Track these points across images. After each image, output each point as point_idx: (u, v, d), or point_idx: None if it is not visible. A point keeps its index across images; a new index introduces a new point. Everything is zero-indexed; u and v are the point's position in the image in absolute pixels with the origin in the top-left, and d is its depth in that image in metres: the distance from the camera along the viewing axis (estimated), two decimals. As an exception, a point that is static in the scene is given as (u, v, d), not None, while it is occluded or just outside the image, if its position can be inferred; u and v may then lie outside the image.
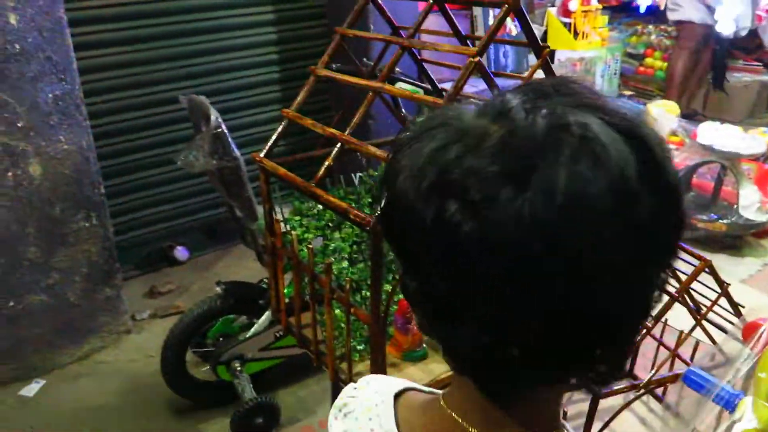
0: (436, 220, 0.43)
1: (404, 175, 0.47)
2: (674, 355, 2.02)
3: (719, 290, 1.82)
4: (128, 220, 2.97)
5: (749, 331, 1.26)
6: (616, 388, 1.80)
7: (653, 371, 2.03)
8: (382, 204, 0.51)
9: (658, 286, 0.49)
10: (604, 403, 1.89)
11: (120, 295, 2.57)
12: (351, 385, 0.67)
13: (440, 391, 0.58)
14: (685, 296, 1.97)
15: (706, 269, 1.72)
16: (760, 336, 1.21)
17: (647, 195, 0.43)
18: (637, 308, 0.48)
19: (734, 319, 1.91)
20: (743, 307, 1.85)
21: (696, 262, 1.75)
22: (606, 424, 1.92)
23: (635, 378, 2.35)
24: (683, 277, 1.81)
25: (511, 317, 0.43)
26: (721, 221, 3.27)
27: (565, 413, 1.91)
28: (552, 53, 4.24)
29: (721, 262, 3.31)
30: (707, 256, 3.46)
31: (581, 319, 0.43)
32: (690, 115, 4.43)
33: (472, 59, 1.10)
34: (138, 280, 3.05)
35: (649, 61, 5.06)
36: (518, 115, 0.44)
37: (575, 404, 2.01)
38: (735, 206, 3.24)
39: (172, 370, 2.14)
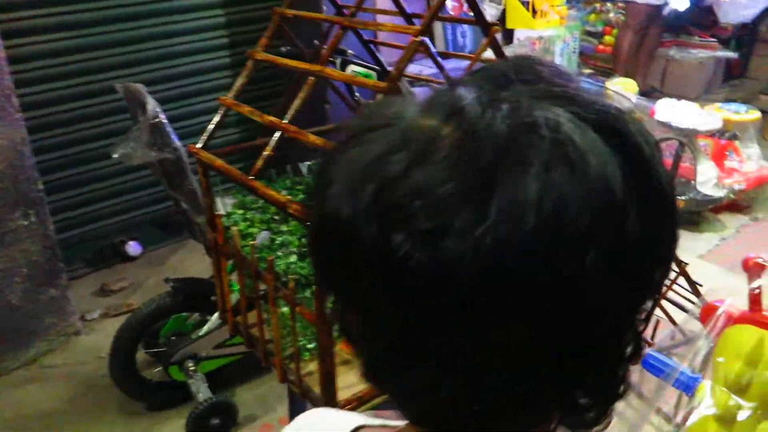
0: (377, 249, 0.35)
1: (337, 190, 0.38)
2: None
3: (677, 270, 1.81)
4: (74, 216, 2.83)
5: (707, 313, 1.23)
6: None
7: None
8: (312, 223, 0.42)
9: (650, 300, 0.42)
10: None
11: (66, 296, 2.45)
12: (288, 427, 0.57)
13: (395, 423, 0.50)
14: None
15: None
16: (717, 319, 1.18)
17: (636, 206, 0.36)
18: (623, 327, 0.41)
19: (694, 298, 1.91)
20: (701, 286, 1.84)
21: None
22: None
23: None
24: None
25: (477, 336, 0.36)
26: (679, 198, 3.29)
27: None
28: (510, 32, 4.20)
29: (680, 238, 3.34)
30: (667, 232, 3.51)
31: (566, 318, 0.36)
32: (648, 92, 4.45)
33: (415, 39, 1.03)
34: (89, 278, 2.92)
35: (607, 38, 5.05)
36: (473, 113, 0.36)
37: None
38: (693, 182, 3.27)
39: (121, 372, 2.05)
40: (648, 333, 2.15)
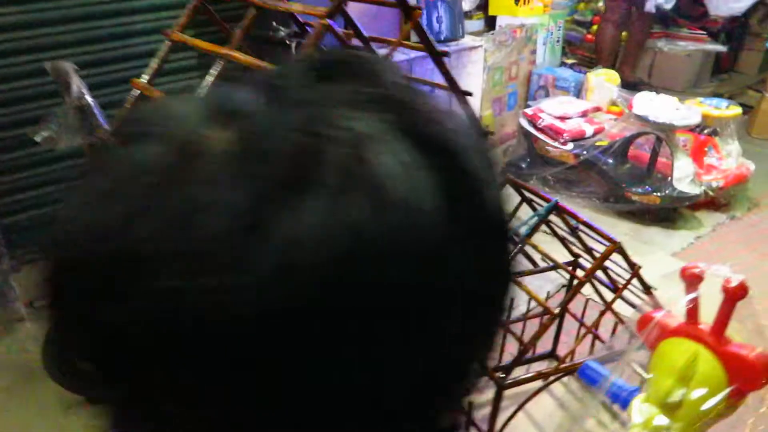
0: (121, 310, 0.27)
1: (75, 224, 0.29)
2: (593, 333, 1.96)
3: (631, 271, 1.73)
4: (23, 199, 2.73)
5: (642, 324, 1.16)
6: (523, 377, 1.72)
7: (569, 352, 1.96)
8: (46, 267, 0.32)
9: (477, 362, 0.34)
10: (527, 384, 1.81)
11: (8, 281, 2.36)
12: None
13: None
14: (602, 276, 1.89)
15: (617, 251, 1.63)
16: (651, 331, 1.11)
17: (461, 243, 0.28)
18: (439, 395, 0.33)
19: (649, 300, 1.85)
20: (656, 289, 1.78)
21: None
22: (520, 407, 1.84)
23: (557, 358, 2.30)
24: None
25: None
26: (655, 194, 3.22)
27: (471, 404, 1.83)
28: (493, 19, 4.09)
29: (654, 234, 3.27)
30: (641, 228, 3.44)
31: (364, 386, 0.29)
32: (635, 84, 4.36)
33: (322, 21, 0.94)
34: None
35: (595, 28, 4.95)
36: (257, 119, 0.28)
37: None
38: (669, 178, 3.19)
39: (53, 362, 1.98)
40: (606, 335, 2.09)
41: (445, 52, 1.05)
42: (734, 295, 1.04)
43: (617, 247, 1.56)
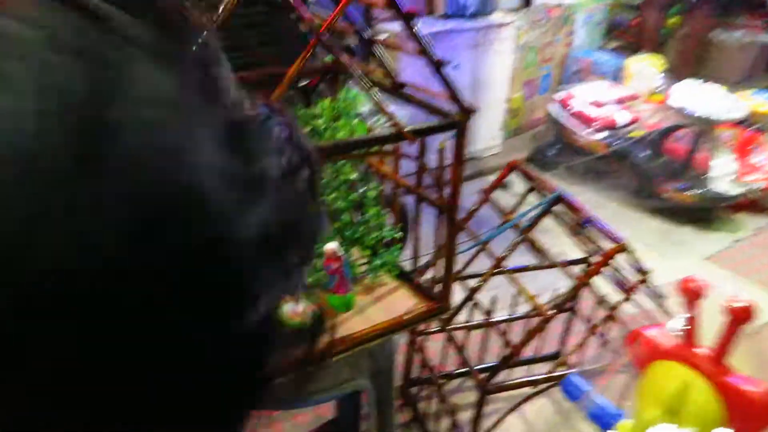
0: None
1: None
2: (595, 333, 1.80)
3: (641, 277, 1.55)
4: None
5: (631, 340, 1.00)
6: (507, 383, 1.57)
7: (564, 358, 1.81)
8: None
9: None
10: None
11: None
12: None
13: None
14: (605, 279, 1.72)
15: (623, 251, 1.46)
16: (636, 352, 0.95)
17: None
18: None
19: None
20: (667, 298, 1.60)
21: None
22: (506, 414, 1.70)
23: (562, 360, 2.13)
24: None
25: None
26: (690, 191, 2.98)
27: (455, 405, 1.69)
28: (530, -3, 3.85)
29: (686, 235, 3.04)
30: (673, 228, 3.20)
31: None
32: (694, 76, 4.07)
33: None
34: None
35: (644, 12, 4.65)
36: None
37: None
38: (707, 176, 2.95)
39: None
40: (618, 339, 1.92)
41: (413, 12, 0.90)
42: (738, 318, 0.87)
43: (623, 249, 1.39)
